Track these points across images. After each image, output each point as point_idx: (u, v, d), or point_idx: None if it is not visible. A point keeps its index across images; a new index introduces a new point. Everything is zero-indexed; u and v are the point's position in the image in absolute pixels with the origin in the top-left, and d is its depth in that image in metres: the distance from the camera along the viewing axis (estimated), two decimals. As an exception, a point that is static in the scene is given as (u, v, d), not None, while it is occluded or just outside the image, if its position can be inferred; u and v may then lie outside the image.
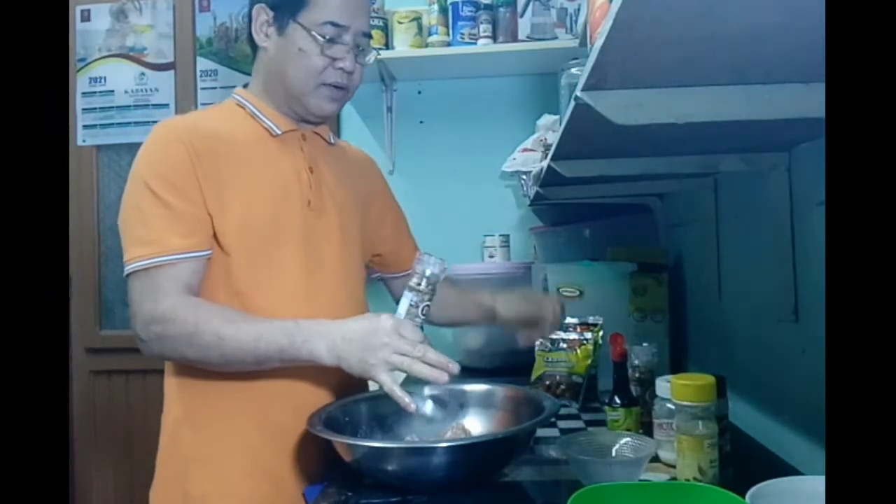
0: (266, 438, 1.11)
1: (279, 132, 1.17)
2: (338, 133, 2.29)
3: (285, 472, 1.11)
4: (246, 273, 1.09)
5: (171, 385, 1.15)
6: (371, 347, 0.98)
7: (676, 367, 1.59)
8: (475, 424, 1.11)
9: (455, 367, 0.99)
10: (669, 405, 0.96)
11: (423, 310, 1.08)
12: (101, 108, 2.52)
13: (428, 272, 1.07)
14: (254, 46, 1.19)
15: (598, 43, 0.56)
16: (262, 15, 1.15)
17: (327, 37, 1.12)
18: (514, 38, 2.02)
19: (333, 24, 1.11)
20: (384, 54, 2.05)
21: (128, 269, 1.03)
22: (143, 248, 1.03)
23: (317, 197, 1.17)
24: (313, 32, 1.11)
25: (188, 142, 1.07)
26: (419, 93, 2.28)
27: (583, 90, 0.67)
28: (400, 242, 1.41)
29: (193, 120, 1.17)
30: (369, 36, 1.20)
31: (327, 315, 1.09)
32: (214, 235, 1.08)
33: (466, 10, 2.04)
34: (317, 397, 1.11)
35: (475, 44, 2.04)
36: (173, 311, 1.00)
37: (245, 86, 1.23)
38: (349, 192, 1.25)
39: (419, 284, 1.08)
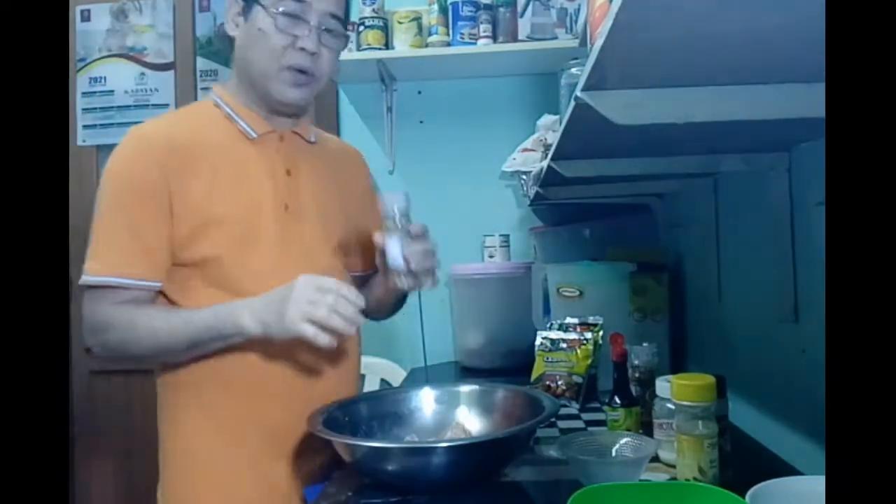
0: (262, 439, 1.11)
1: (255, 136, 1.15)
2: (337, 133, 2.29)
3: (280, 473, 1.12)
4: (233, 278, 1.09)
5: (163, 384, 1.14)
6: (287, 303, 0.98)
7: (676, 367, 1.58)
8: (475, 424, 1.12)
9: (359, 321, 1.01)
10: (669, 405, 0.96)
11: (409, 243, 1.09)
12: (101, 108, 2.52)
13: (397, 209, 1.08)
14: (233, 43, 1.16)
15: (598, 43, 0.56)
16: (234, 6, 1.14)
17: (282, 10, 1.08)
18: (514, 38, 2.02)
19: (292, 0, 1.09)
20: (384, 54, 2.05)
21: (81, 281, 1.06)
22: (96, 264, 1.06)
23: (295, 200, 1.15)
24: (271, 10, 1.08)
25: (161, 156, 1.07)
26: (419, 93, 2.28)
27: (583, 90, 0.67)
28: (368, 241, 1.28)
29: (167, 129, 1.13)
30: (340, 20, 1.15)
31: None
32: (178, 256, 1.08)
33: (466, 10, 2.04)
34: (311, 399, 1.10)
35: (475, 44, 2.04)
36: (111, 318, 1.05)
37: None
38: (332, 192, 1.22)
39: (398, 223, 1.08)
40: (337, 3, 1.14)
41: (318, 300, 0.97)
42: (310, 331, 0.97)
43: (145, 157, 1.07)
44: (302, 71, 1.11)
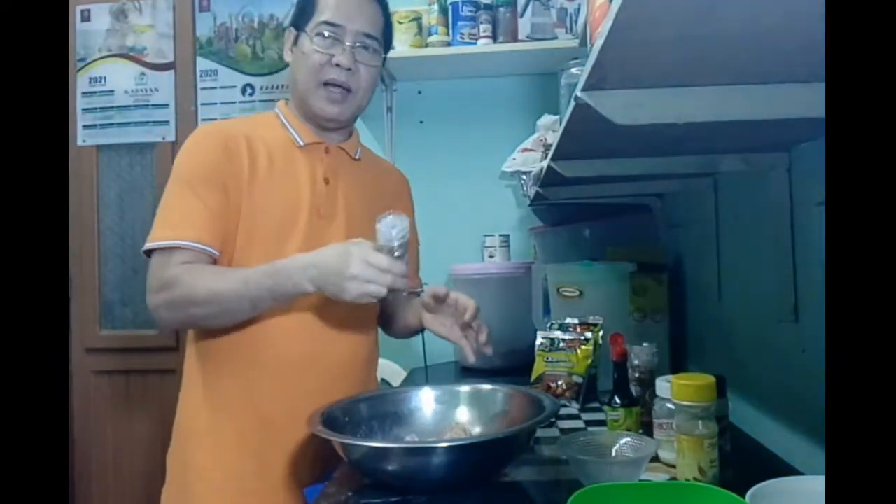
0: (258, 430, 1.17)
1: (302, 143, 1.25)
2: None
3: (278, 469, 1.16)
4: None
5: (189, 367, 1.23)
6: (345, 279, 1.03)
7: (676, 367, 1.58)
8: (475, 424, 1.12)
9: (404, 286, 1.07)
10: (669, 405, 0.96)
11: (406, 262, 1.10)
12: (101, 108, 2.52)
13: (396, 242, 1.09)
14: None
15: (598, 43, 0.56)
16: (289, 38, 1.27)
17: (320, 32, 1.19)
18: (514, 38, 2.02)
19: (328, 24, 1.20)
20: (384, 54, 2.05)
21: (145, 246, 1.14)
22: (162, 231, 1.14)
23: (328, 206, 1.23)
24: (311, 33, 1.20)
25: (220, 143, 1.17)
26: (419, 93, 2.28)
27: (583, 90, 0.67)
28: None
29: (227, 124, 1.28)
30: (375, 39, 1.24)
31: (336, 320, 1.19)
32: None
33: (466, 10, 2.04)
34: (307, 393, 1.15)
35: (475, 44, 2.04)
36: (175, 278, 1.10)
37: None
38: (365, 205, 1.28)
39: (395, 249, 1.08)
40: (372, 24, 1.23)
41: (376, 279, 1.03)
42: (371, 302, 1.06)
43: (204, 144, 1.18)
44: (338, 86, 1.21)
